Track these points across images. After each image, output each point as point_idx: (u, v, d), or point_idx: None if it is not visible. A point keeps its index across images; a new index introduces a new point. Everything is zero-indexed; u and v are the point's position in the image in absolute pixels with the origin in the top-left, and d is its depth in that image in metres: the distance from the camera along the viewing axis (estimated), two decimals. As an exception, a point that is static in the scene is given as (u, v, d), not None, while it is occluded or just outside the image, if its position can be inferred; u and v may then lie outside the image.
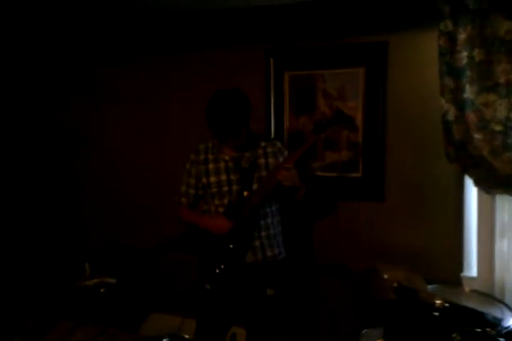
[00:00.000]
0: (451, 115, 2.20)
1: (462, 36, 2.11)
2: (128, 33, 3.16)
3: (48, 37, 3.33)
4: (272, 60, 2.76)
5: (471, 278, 2.39)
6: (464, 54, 2.12)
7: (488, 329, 1.57)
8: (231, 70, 2.86)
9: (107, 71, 3.27)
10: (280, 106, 2.78)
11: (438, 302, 1.60)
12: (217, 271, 2.19)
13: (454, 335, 1.51)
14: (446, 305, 1.58)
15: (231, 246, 2.20)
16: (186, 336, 2.26)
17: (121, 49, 3.22)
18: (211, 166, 2.29)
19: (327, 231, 2.73)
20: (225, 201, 2.26)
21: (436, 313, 1.57)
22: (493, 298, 2.18)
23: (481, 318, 1.54)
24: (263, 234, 2.27)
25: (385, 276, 2.16)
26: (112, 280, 2.68)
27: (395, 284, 1.77)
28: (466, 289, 2.28)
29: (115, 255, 3.02)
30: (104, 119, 3.34)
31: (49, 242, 3.16)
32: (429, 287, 2.15)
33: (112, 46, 3.24)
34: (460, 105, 2.17)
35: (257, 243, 2.25)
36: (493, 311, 1.93)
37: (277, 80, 2.76)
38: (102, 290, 2.66)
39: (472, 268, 2.42)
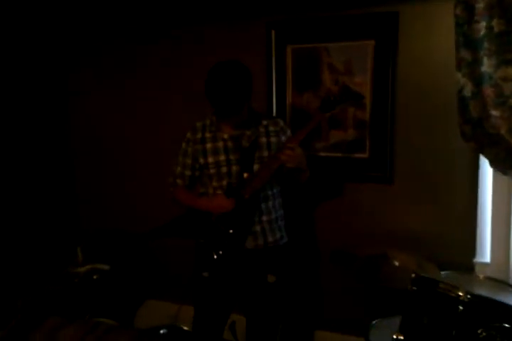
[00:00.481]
0: (467, 91, 2.04)
1: (480, 5, 1.94)
2: (122, 14, 2.96)
3: (43, 32, 3.13)
4: (273, 32, 2.57)
5: (485, 264, 2.27)
6: (483, 24, 1.95)
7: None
8: (230, 44, 2.67)
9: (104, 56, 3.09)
10: (282, 82, 2.60)
11: (461, 294, 1.46)
12: (216, 257, 2.05)
13: (479, 331, 1.38)
14: (471, 297, 1.45)
15: (230, 231, 2.06)
16: (184, 327, 2.13)
17: (115, 32, 3.02)
18: (209, 145, 2.13)
19: (331, 215, 2.59)
20: (224, 183, 2.11)
21: (461, 307, 1.44)
22: (508, 284, 2.07)
23: (509, 312, 1.41)
24: (264, 218, 2.13)
25: (396, 263, 2.05)
26: (105, 267, 2.56)
27: (413, 275, 1.63)
28: (480, 276, 2.17)
29: (108, 239, 2.89)
30: (96, 97, 3.16)
31: (39, 226, 3.01)
32: (441, 273, 2.03)
33: (106, 31, 3.04)
34: (477, 80, 2.01)
35: (257, 228, 2.12)
36: (509, 299, 1.81)
37: (279, 54, 2.58)
38: (94, 277, 2.53)
39: (485, 253, 2.30)
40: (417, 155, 2.39)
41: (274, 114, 2.64)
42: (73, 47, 3.16)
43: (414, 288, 1.59)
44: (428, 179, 2.38)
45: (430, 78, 2.31)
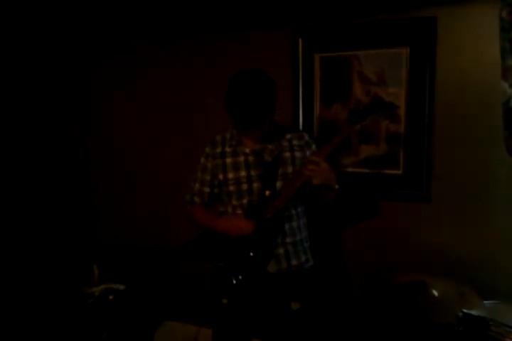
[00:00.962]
0: (515, 102, 1.85)
1: (530, 8, 1.76)
2: (145, 13, 2.86)
3: (51, 34, 3.06)
4: (300, 40, 2.43)
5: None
6: (532, 29, 1.77)
7: None
8: (254, 52, 2.54)
9: (123, 59, 2.99)
10: (310, 92, 2.45)
11: (517, 340, 1.27)
12: (235, 282, 1.90)
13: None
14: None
15: (251, 254, 1.91)
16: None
17: (137, 32, 2.91)
18: (229, 160, 1.99)
19: (362, 236, 2.41)
20: (245, 201, 1.96)
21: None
22: None
23: None
24: (288, 239, 1.97)
25: (435, 293, 1.85)
26: (121, 287, 2.43)
27: (460, 313, 1.44)
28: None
29: (125, 257, 2.77)
30: (118, 115, 3.07)
31: (55, 242, 2.92)
32: (486, 303, 1.82)
33: (127, 30, 2.94)
34: (527, 90, 1.82)
35: (280, 250, 1.96)
36: None
37: (306, 63, 2.43)
38: (110, 298, 2.41)
39: (535, 281, 2.07)
40: (458, 172, 2.19)
41: (301, 127, 2.49)
42: (90, 49, 3.08)
43: (461, 328, 1.40)
44: (470, 197, 2.17)
45: (472, 88, 2.12)
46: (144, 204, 3.03)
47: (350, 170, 2.41)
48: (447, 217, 2.22)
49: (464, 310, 1.51)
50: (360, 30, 2.30)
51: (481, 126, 2.12)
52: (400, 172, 2.30)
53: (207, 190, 2.06)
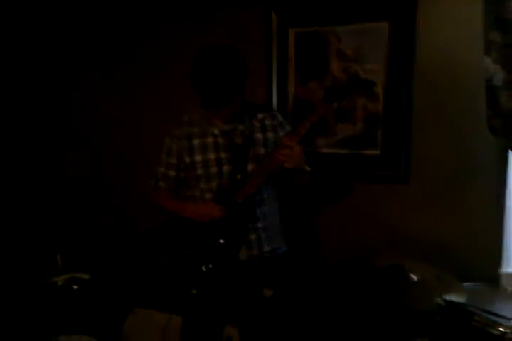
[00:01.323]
0: (498, 79, 1.80)
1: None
2: (117, 9, 2.69)
3: (42, 29, 2.90)
4: (273, 14, 2.30)
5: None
6: (517, 2, 1.70)
7: None
8: (225, 27, 2.39)
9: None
10: (284, 70, 2.33)
11: (502, 331, 1.20)
12: (205, 270, 1.80)
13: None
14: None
15: (221, 241, 1.81)
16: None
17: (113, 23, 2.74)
18: (196, 142, 1.86)
19: (338, 219, 2.32)
20: (214, 185, 1.85)
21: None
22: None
23: None
24: (260, 225, 1.87)
25: (414, 277, 1.79)
26: (86, 276, 2.29)
27: (441, 301, 1.37)
28: (508, 288, 1.92)
29: (91, 245, 2.62)
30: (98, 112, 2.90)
31: (16, 230, 2.75)
32: (465, 285, 1.78)
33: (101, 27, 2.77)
34: (510, 66, 1.76)
35: (252, 236, 1.86)
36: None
37: (280, 39, 2.31)
38: (74, 287, 2.27)
39: (513, 263, 2.05)
40: (436, 152, 2.12)
41: (275, 106, 2.37)
42: (75, 46, 2.90)
43: (444, 318, 1.33)
44: (449, 179, 2.11)
45: (453, 65, 2.03)
46: (111, 191, 2.88)
47: (326, 150, 2.31)
48: (425, 199, 2.16)
49: (446, 297, 1.44)
50: (337, 3, 2.19)
51: (461, 106, 2.05)
52: (377, 152, 2.21)
53: (172, 174, 1.93)
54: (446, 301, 1.41)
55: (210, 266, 1.79)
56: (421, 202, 2.16)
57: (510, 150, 1.93)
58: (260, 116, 1.90)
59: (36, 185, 3.01)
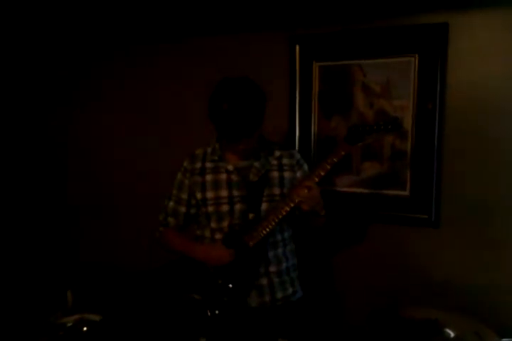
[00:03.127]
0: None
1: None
2: (123, 16, 2.64)
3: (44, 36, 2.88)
4: (297, 47, 2.23)
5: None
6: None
7: None
8: (247, 60, 2.33)
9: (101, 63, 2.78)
10: (308, 104, 2.24)
11: None
12: (212, 317, 1.68)
13: None
14: None
15: (230, 285, 1.69)
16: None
17: (115, 36, 2.71)
18: (209, 177, 1.76)
19: (365, 264, 2.18)
20: (225, 224, 1.74)
21: None
22: None
23: None
24: (272, 269, 1.74)
25: (451, 333, 1.62)
26: (96, 317, 2.18)
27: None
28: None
29: (103, 282, 2.52)
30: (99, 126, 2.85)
31: (24, 264, 2.69)
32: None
33: (105, 34, 2.73)
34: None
35: (263, 281, 1.73)
36: None
37: (304, 73, 2.23)
38: (84, 329, 2.16)
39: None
40: (470, 194, 1.98)
41: (297, 140, 2.27)
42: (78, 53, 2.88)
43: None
44: (484, 222, 1.96)
45: (487, 100, 1.92)
46: (125, 224, 2.80)
47: (349, 190, 2.19)
48: (459, 244, 2.00)
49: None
50: (363, 37, 2.10)
51: (496, 144, 1.92)
52: (406, 193, 2.08)
53: (183, 209, 1.83)
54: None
55: (217, 312, 1.67)
56: (454, 247, 2.01)
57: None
58: (277, 153, 1.80)
59: (45, 216, 2.95)
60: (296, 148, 2.26)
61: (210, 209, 1.75)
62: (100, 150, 2.85)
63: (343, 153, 1.61)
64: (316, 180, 1.60)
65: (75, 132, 2.92)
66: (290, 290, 1.81)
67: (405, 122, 2.04)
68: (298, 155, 1.85)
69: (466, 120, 1.96)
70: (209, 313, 1.67)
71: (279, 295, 1.77)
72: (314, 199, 1.62)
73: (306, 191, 1.58)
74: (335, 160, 1.60)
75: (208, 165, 1.78)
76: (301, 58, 2.22)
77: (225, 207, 1.74)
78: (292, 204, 1.61)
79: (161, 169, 2.56)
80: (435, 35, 1.95)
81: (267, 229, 1.66)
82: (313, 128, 2.24)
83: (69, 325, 2.17)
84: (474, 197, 1.97)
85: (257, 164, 1.76)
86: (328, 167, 1.59)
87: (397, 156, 2.08)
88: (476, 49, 1.92)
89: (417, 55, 2.00)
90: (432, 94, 1.98)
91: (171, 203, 1.85)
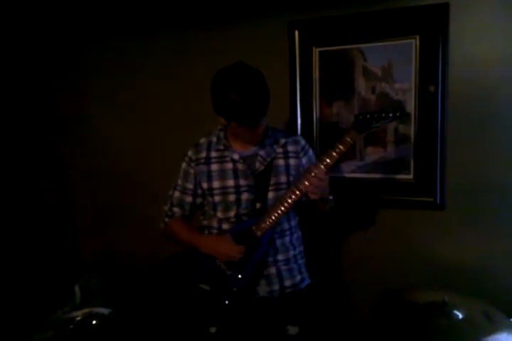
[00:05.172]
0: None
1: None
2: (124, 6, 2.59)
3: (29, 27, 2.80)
4: (297, 32, 2.20)
5: None
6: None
7: None
8: (247, 48, 2.29)
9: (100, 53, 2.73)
10: (308, 90, 2.22)
11: None
12: (222, 307, 1.69)
13: None
14: None
15: (239, 276, 1.69)
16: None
17: (119, 32, 2.64)
18: (215, 167, 1.75)
19: (372, 248, 2.18)
20: (232, 214, 1.73)
21: None
22: None
23: None
24: (280, 257, 1.75)
25: (459, 314, 1.63)
26: (105, 311, 2.18)
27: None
28: None
29: (111, 276, 2.51)
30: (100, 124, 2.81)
31: (31, 260, 2.67)
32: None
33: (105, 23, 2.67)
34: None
35: (272, 270, 1.74)
36: None
37: (304, 58, 2.20)
38: (93, 323, 2.16)
39: None
40: (474, 176, 1.98)
41: (299, 127, 2.26)
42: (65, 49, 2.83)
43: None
44: (490, 203, 1.96)
45: (490, 82, 1.90)
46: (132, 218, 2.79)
47: (353, 175, 2.19)
48: (464, 226, 2.01)
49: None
50: (362, 21, 2.08)
51: (499, 127, 1.91)
52: (411, 177, 2.08)
53: (188, 199, 1.81)
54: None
55: (227, 303, 1.67)
56: (460, 229, 2.02)
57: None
58: (282, 141, 1.78)
59: (50, 210, 2.94)
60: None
61: (217, 198, 1.74)
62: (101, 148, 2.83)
63: (350, 141, 1.58)
64: (325, 169, 1.57)
65: (73, 129, 2.89)
66: (298, 278, 1.81)
67: (408, 105, 2.03)
68: (303, 142, 1.83)
69: (468, 101, 1.94)
70: (220, 306, 1.68)
71: (288, 283, 1.77)
72: (323, 188, 1.61)
73: (315, 180, 1.56)
74: (342, 148, 1.58)
75: (214, 154, 1.76)
76: (301, 44, 2.19)
77: (231, 197, 1.72)
78: (299, 194, 1.60)
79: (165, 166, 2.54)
80: (436, 16, 1.93)
81: (274, 219, 1.65)
82: (315, 114, 2.22)
83: (78, 319, 2.17)
84: (479, 180, 1.97)
85: (262, 152, 1.74)
86: (336, 155, 1.57)
87: (401, 140, 2.07)
88: (477, 28, 1.90)
89: (418, 37, 1.98)
90: (434, 76, 1.96)
91: (177, 193, 1.83)
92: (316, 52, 2.18)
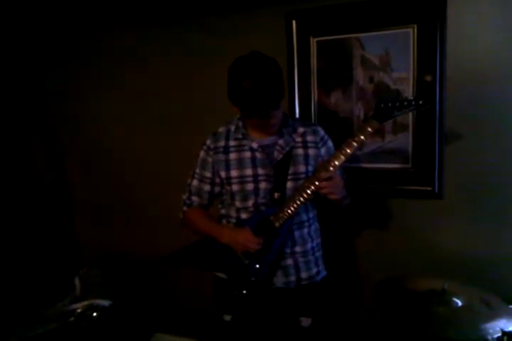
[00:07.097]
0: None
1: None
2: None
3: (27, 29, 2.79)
4: (294, 22, 2.19)
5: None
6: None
7: None
8: (243, 37, 2.29)
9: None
10: (306, 81, 2.21)
11: None
12: (238, 296, 1.69)
13: None
14: None
15: (257, 266, 1.68)
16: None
17: (116, 25, 2.63)
18: (233, 156, 1.74)
19: (371, 237, 2.19)
20: (250, 204, 1.73)
21: None
22: None
23: None
24: (298, 249, 1.75)
25: (458, 302, 1.64)
26: (105, 303, 2.19)
27: (499, 332, 1.24)
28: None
29: (112, 268, 2.52)
30: (99, 120, 2.80)
31: (31, 253, 2.67)
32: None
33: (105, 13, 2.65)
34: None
35: (289, 261, 1.74)
36: None
37: (302, 48, 2.19)
38: (94, 315, 2.16)
39: None
40: (473, 164, 1.98)
41: (298, 117, 2.25)
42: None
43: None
44: (488, 191, 1.97)
45: (488, 70, 1.90)
46: (131, 210, 2.78)
47: (351, 165, 2.18)
48: (463, 215, 2.02)
49: (499, 326, 1.30)
50: (360, 9, 2.07)
51: (498, 115, 1.91)
52: (409, 166, 2.08)
53: (207, 188, 1.81)
54: (503, 332, 1.26)
55: (244, 292, 1.68)
56: (458, 218, 2.03)
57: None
58: (301, 130, 1.77)
59: (50, 204, 2.93)
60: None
61: (235, 187, 1.73)
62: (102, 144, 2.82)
63: (371, 130, 1.57)
64: (343, 158, 1.57)
65: (77, 124, 2.88)
66: (314, 270, 1.81)
67: (406, 95, 2.02)
68: (322, 132, 1.82)
69: (466, 90, 1.94)
70: (236, 293, 1.69)
71: (304, 275, 1.77)
72: (339, 187, 1.62)
73: (329, 182, 1.56)
74: (362, 138, 1.57)
75: (232, 143, 1.75)
76: (298, 34, 2.18)
77: (249, 186, 1.71)
78: (318, 184, 1.59)
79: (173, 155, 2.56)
80: (433, 5, 1.93)
81: (294, 209, 1.64)
82: (313, 104, 2.22)
83: (78, 311, 2.18)
84: (477, 168, 1.98)
85: (281, 141, 1.73)
86: (356, 145, 1.56)
87: (399, 129, 2.08)
88: (475, 17, 1.89)
89: (415, 26, 1.97)
90: (432, 65, 1.96)
91: (195, 182, 1.82)
92: (313, 42, 2.17)
